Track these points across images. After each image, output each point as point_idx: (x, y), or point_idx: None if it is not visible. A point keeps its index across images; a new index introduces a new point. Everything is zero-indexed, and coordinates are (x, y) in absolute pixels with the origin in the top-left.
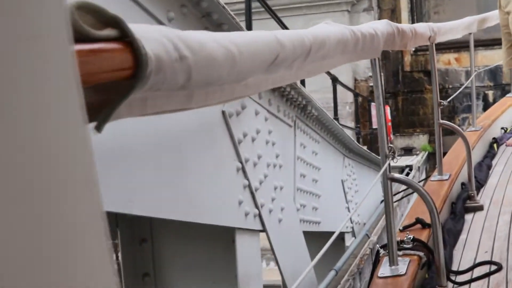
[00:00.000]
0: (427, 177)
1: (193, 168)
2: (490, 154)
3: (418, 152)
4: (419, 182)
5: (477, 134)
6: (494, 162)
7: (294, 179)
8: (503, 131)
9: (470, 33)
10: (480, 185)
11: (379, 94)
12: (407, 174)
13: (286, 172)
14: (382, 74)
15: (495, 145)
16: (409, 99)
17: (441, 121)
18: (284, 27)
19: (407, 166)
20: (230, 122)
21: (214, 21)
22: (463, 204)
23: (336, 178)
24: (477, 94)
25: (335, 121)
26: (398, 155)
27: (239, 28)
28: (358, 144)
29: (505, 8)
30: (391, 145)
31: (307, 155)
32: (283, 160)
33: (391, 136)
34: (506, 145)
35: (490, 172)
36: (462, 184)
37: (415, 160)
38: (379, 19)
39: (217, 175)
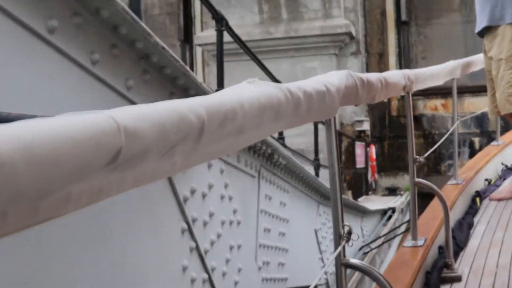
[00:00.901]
0: (400, 242)
1: (121, 236)
2: (472, 210)
3: (402, 192)
4: (403, 223)
5: (458, 189)
6: (476, 219)
7: (256, 235)
8: (487, 183)
9: (453, 79)
10: (460, 248)
11: (334, 161)
12: (390, 217)
13: (246, 229)
14: (337, 139)
15: (478, 200)
16: (395, 144)
17: (417, 179)
18: (266, 70)
19: (390, 208)
20: (173, 178)
21: (154, 63)
22: (438, 275)
23: (309, 228)
24: (463, 141)
25: (319, 163)
26: (382, 195)
27: (183, 71)
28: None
29: (489, 52)
30: (347, 224)
31: (273, 207)
32: (242, 216)
33: (375, 175)
34: (490, 199)
35: (471, 231)
36: (440, 248)
37: (398, 202)
38: (366, 63)
39: (156, 240)
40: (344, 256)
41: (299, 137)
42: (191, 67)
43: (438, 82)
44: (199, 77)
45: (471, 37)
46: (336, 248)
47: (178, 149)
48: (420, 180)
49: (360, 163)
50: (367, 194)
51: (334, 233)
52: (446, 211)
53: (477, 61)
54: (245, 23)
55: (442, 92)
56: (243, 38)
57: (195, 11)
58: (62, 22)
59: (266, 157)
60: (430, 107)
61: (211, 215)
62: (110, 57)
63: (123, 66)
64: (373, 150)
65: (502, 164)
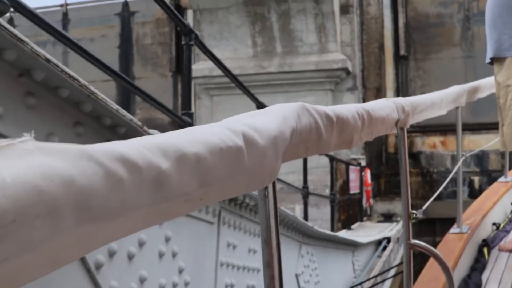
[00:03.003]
0: None
1: None
2: (479, 265)
3: (398, 219)
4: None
5: (463, 240)
6: (484, 276)
7: None
8: (495, 227)
9: (457, 108)
10: None
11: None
12: (385, 248)
13: None
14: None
15: (485, 250)
16: (392, 181)
17: (413, 241)
18: (259, 103)
19: (384, 238)
20: None
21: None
22: None
23: (288, 274)
24: (463, 179)
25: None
26: (378, 221)
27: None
28: (317, 229)
29: (496, 75)
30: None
31: (239, 256)
32: (193, 274)
33: (371, 200)
34: (500, 250)
35: None
36: None
37: (394, 230)
38: (363, 99)
39: None
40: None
41: (292, 175)
42: (185, 99)
43: (441, 112)
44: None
45: (471, 72)
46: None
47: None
48: (417, 242)
49: (354, 188)
50: (361, 220)
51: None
52: (449, 276)
53: (485, 85)
54: (238, 56)
55: (441, 128)
56: (236, 72)
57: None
58: None
59: (226, 200)
60: (429, 144)
61: (142, 280)
62: None
63: None
64: (368, 174)
65: None
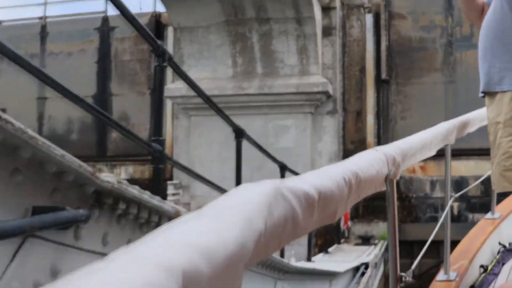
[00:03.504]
0: None
1: None
2: None
3: (376, 241)
4: None
5: (451, 287)
6: None
7: None
8: (482, 270)
9: (447, 145)
10: None
11: None
12: (363, 274)
13: None
14: None
15: None
16: (370, 206)
17: None
18: (236, 127)
19: (362, 264)
20: None
21: None
22: None
23: None
24: (441, 205)
25: None
26: (355, 244)
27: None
28: (293, 265)
29: (487, 110)
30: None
31: None
32: None
33: (348, 223)
34: None
35: None
36: None
37: (372, 255)
38: (343, 122)
39: None
40: None
41: None
42: (156, 125)
43: (430, 154)
44: (167, 131)
45: (452, 98)
46: None
47: None
48: None
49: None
50: (339, 243)
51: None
52: None
53: (475, 119)
54: (218, 76)
55: None
56: (215, 92)
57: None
58: None
59: None
60: (408, 169)
61: None
62: None
63: None
64: None
65: (500, 244)
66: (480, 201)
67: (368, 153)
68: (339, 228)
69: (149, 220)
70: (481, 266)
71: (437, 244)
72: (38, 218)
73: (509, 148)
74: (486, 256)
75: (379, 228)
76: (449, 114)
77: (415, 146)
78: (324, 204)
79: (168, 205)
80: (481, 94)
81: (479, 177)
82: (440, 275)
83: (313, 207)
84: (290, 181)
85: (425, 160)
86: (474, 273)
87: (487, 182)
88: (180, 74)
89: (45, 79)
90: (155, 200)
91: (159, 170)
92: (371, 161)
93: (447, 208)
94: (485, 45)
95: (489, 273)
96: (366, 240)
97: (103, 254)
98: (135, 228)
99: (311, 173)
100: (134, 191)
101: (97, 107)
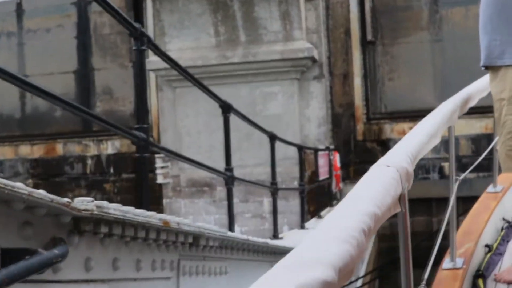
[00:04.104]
0: None
1: None
2: None
3: None
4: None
5: (458, 278)
6: None
7: None
8: (487, 249)
9: (450, 127)
10: None
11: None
12: None
13: None
14: None
15: (480, 282)
16: (361, 169)
17: None
18: (222, 101)
19: None
20: None
21: None
22: None
23: None
24: (433, 166)
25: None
26: None
27: None
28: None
29: (490, 84)
30: None
31: None
32: None
33: (340, 185)
34: (496, 280)
35: None
36: None
37: None
38: (330, 86)
39: None
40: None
41: (259, 167)
42: (139, 111)
43: (436, 141)
44: (152, 103)
45: (440, 57)
46: None
47: None
48: None
49: (323, 174)
50: (331, 205)
51: None
52: None
53: (476, 92)
54: (200, 45)
55: (410, 114)
56: (198, 62)
57: (148, 31)
58: None
59: (187, 247)
60: (398, 131)
61: None
62: None
63: None
64: (337, 158)
65: (504, 219)
66: (472, 161)
67: (381, 173)
68: (331, 191)
69: (135, 236)
70: (486, 245)
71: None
72: (5, 272)
73: None
74: (490, 234)
75: None
76: (437, 73)
77: (424, 142)
78: (344, 274)
79: (155, 217)
80: (482, 68)
81: (470, 137)
82: (446, 262)
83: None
84: (305, 273)
85: (414, 121)
86: (480, 255)
87: (477, 141)
88: (161, 55)
89: (21, 84)
90: (141, 217)
91: (145, 159)
92: (386, 186)
93: (453, 197)
94: (484, 18)
95: (494, 253)
96: None
97: (87, 281)
98: (120, 246)
99: (324, 241)
100: (117, 212)
101: (75, 103)
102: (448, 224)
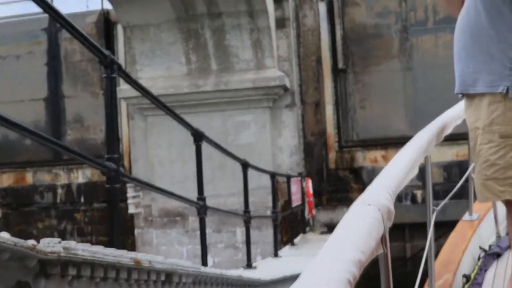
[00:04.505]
0: None
1: None
2: None
3: None
4: None
5: None
6: None
7: None
8: (465, 280)
9: (427, 156)
10: None
11: None
12: None
13: None
14: None
15: None
16: (333, 198)
17: None
18: (194, 130)
19: None
20: None
21: None
22: None
23: None
24: (405, 194)
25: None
26: (321, 232)
27: None
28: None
29: (465, 112)
30: None
31: None
32: None
33: (313, 211)
34: None
35: None
36: None
37: None
38: (302, 115)
39: None
40: None
41: (232, 197)
42: (109, 140)
43: (414, 173)
44: (123, 132)
45: (410, 85)
46: None
47: None
48: None
49: (296, 200)
50: (304, 232)
51: None
52: None
53: (451, 121)
54: (172, 74)
55: (382, 142)
56: (170, 91)
57: (119, 59)
58: None
59: (159, 285)
60: (370, 159)
61: None
62: None
63: None
64: (309, 184)
65: (480, 248)
66: (444, 188)
67: (362, 213)
68: (304, 218)
69: (105, 277)
70: (464, 275)
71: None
72: None
73: (489, 155)
74: (468, 263)
75: (344, 214)
76: (408, 101)
77: (403, 176)
78: None
79: (125, 256)
80: (459, 95)
81: (441, 164)
82: None
83: None
84: None
85: (386, 148)
86: (458, 286)
87: (449, 169)
88: (132, 83)
89: None
90: (111, 256)
91: (115, 190)
92: (369, 228)
93: (431, 226)
94: (459, 45)
95: (472, 283)
96: (332, 228)
97: None
98: None
99: None
100: (85, 253)
101: (46, 135)
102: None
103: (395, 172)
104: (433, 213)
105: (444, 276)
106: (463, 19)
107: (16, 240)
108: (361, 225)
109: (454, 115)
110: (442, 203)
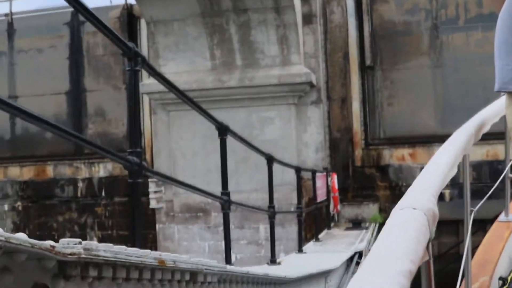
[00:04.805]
0: None
1: None
2: None
3: (367, 225)
4: None
5: None
6: None
7: None
8: (501, 283)
9: (465, 155)
10: None
11: None
12: (357, 263)
13: None
14: None
15: None
16: (359, 195)
17: None
18: (218, 123)
19: (356, 253)
20: None
21: None
22: None
23: None
24: None
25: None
26: (346, 228)
27: None
28: (289, 277)
29: (507, 108)
30: None
31: None
32: None
33: (338, 207)
34: None
35: None
36: None
37: (364, 241)
38: (328, 111)
39: None
40: None
41: (255, 193)
42: (132, 135)
43: (453, 173)
44: (146, 126)
45: (440, 82)
46: None
47: None
48: None
49: (321, 196)
50: (329, 228)
51: None
52: None
53: (490, 117)
54: (196, 69)
55: (409, 140)
56: (194, 86)
57: (142, 52)
58: None
59: (183, 284)
60: (397, 157)
61: None
62: None
63: None
64: (335, 179)
65: None
66: (473, 188)
67: (408, 218)
68: (328, 213)
69: (128, 278)
70: (500, 278)
71: (457, 223)
72: None
73: None
74: (504, 265)
75: (369, 210)
76: (438, 98)
77: (445, 176)
78: None
79: (149, 257)
80: (502, 94)
81: (471, 164)
82: None
83: None
84: None
85: (414, 147)
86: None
87: (479, 168)
88: (157, 77)
89: (7, 108)
90: (134, 257)
91: (138, 185)
92: (417, 235)
93: (469, 229)
94: (499, 39)
95: (508, 286)
96: (357, 224)
97: None
98: None
99: None
100: (107, 253)
101: (67, 128)
102: (461, 218)
103: (436, 172)
104: (470, 214)
105: (480, 278)
106: (504, 14)
107: (33, 241)
108: (409, 232)
109: (492, 113)
110: (480, 203)
